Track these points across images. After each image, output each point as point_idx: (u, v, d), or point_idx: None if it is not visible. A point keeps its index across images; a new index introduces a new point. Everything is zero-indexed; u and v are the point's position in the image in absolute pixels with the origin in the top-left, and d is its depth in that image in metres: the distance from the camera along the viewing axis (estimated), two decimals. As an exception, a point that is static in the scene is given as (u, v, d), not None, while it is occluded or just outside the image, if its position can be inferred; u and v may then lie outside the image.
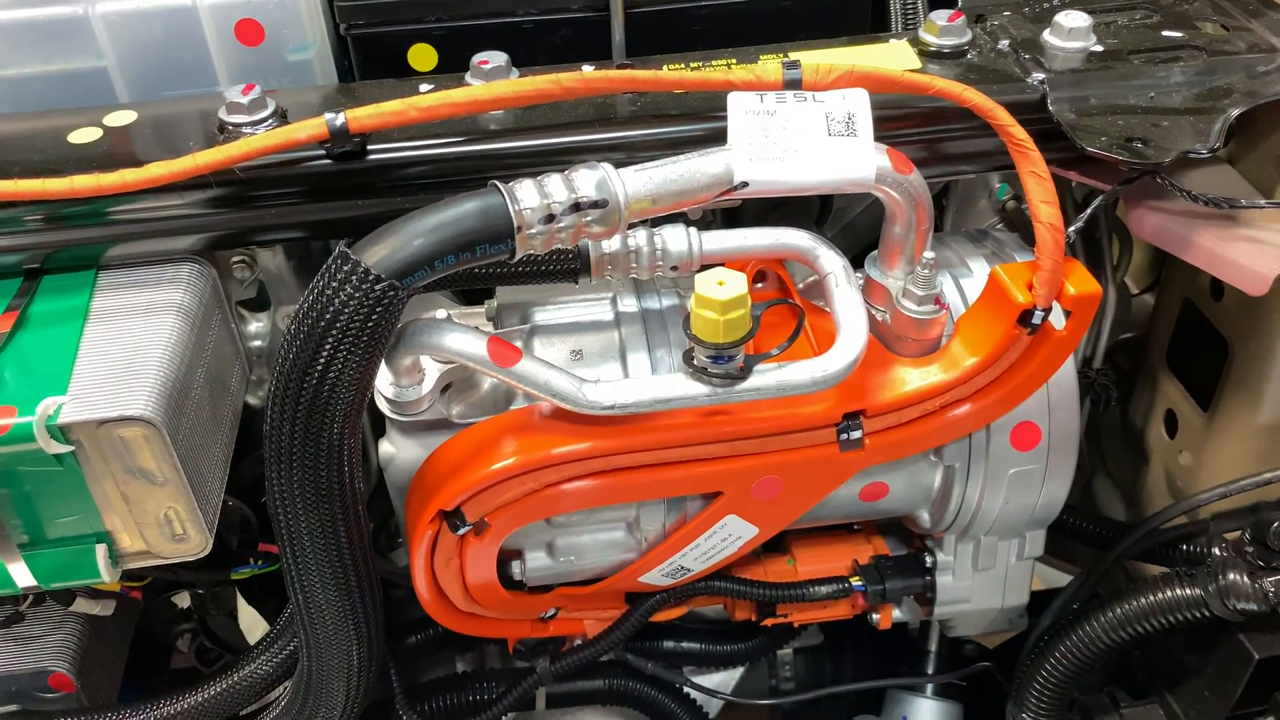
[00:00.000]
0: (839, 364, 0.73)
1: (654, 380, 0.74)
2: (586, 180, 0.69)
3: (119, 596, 0.93)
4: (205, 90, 0.93)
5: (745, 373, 0.73)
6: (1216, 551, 0.95)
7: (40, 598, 0.89)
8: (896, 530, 1.03)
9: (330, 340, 0.66)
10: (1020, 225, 1.05)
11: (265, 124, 0.81)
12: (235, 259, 0.87)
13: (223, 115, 0.81)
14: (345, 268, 0.65)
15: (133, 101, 0.90)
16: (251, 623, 0.94)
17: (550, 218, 0.69)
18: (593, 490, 0.78)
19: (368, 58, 0.94)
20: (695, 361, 0.73)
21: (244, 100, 0.80)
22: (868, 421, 0.79)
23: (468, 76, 0.85)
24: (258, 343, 0.94)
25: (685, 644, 1.12)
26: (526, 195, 0.68)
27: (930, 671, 1.23)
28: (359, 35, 0.93)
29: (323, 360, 0.66)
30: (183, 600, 0.99)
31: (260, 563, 0.93)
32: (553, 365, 0.73)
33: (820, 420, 0.78)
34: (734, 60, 0.87)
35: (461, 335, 0.72)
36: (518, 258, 0.70)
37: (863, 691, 1.26)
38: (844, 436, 0.79)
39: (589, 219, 0.70)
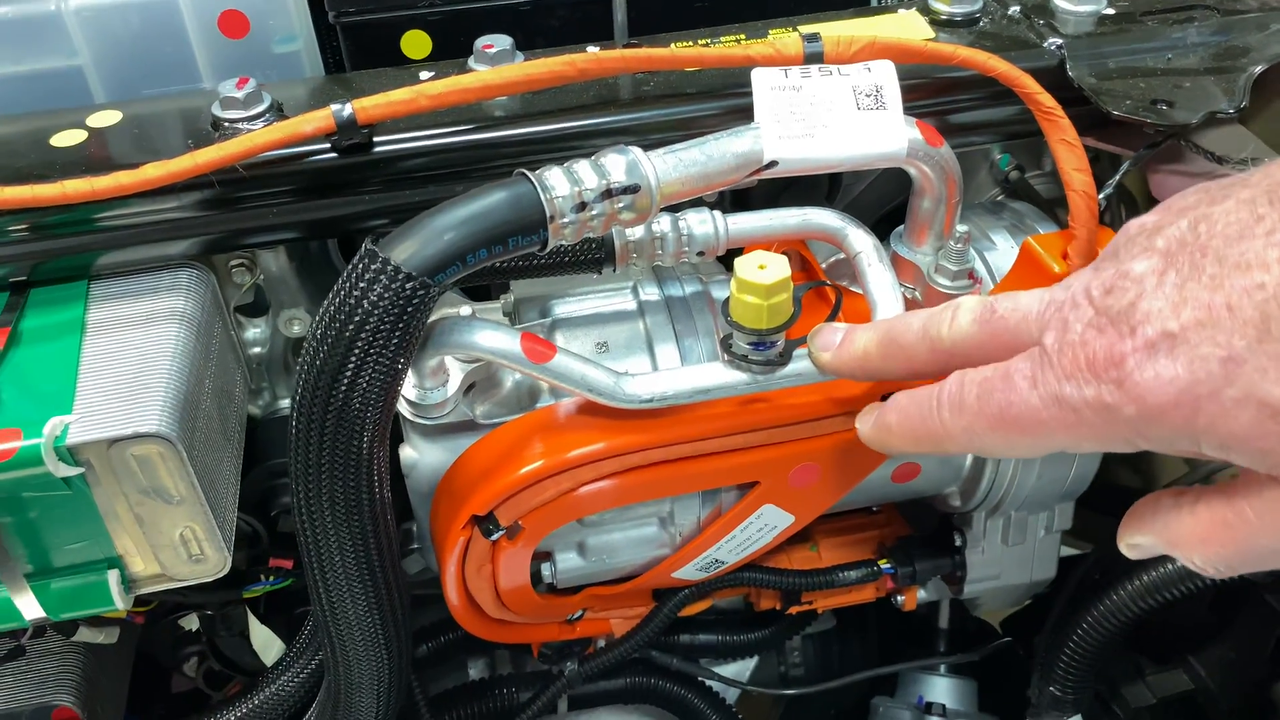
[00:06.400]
0: (879, 344, 0.71)
1: (692, 370, 0.71)
2: (616, 165, 0.67)
3: (123, 623, 0.88)
4: (187, 87, 0.89)
5: (785, 358, 0.71)
6: (1239, 514, 0.95)
7: (40, 629, 0.84)
8: (916, 511, 1.02)
9: (361, 343, 0.62)
10: (1024, 196, 1.04)
11: (262, 119, 0.77)
12: (234, 262, 0.83)
13: (217, 111, 0.77)
14: (374, 266, 0.62)
15: (113, 101, 0.85)
16: (265, 642, 0.90)
17: (582, 205, 0.66)
18: (629, 486, 0.75)
19: (359, 47, 0.90)
20: (734, 349, 0.70)
21: (239, 94, 0.76)
22: (904, 402, 0.77)
23: (471, 62, 0.81)
24: (257, 349, 0.90)
25: (701, 636, 1.10)
26: (557, 183, 0.65)
27: (942, 650, 1.22)
28: (350, 23, 0.89)
29: (352, 364, 0.63)
30: (186, 622, 0.95)
31: (272, 579, 0.89)
32: (588, 359, 0.70)
33: (858, 403, 0.76)
34: (743, 35, 0.85)
35: (494, 333, 0.69)
36: (549, 249, 0.67)
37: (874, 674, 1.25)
38: (881, 418, 0.77)
39: (621, 205, 0.67)
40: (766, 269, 0.66)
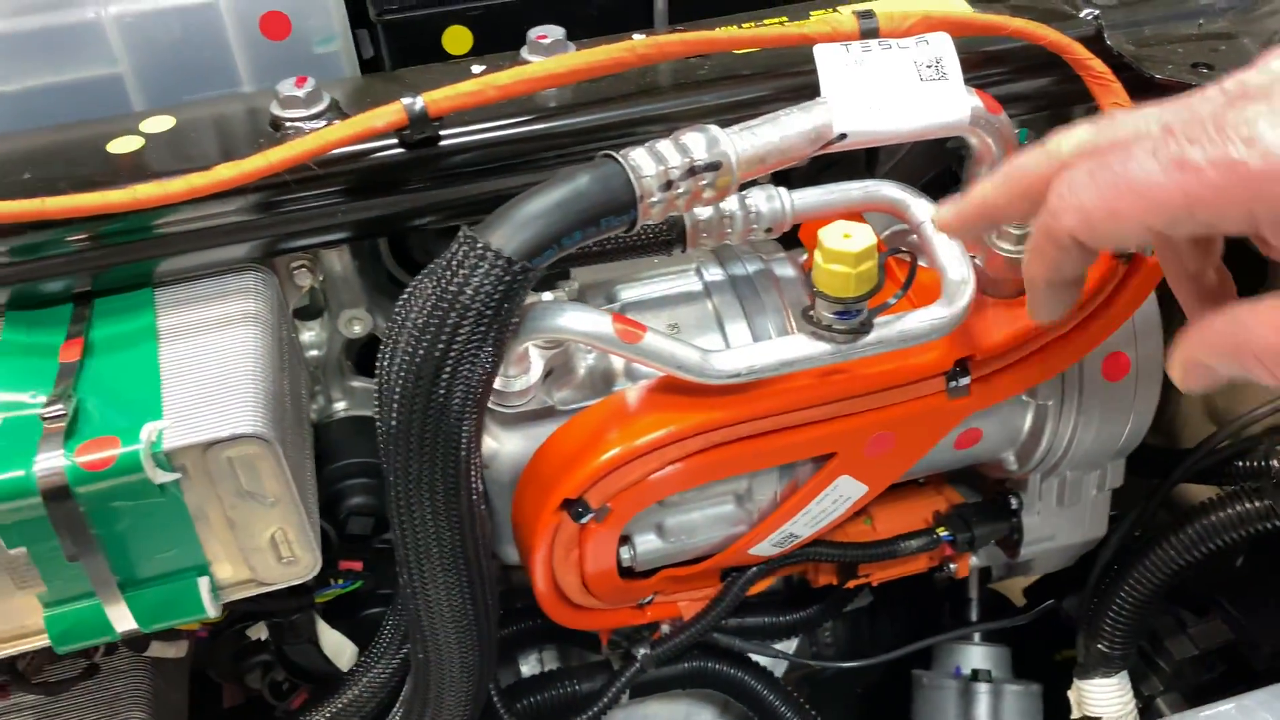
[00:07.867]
0: (955, 308, 0.73)
1: (776, 343, 0.72)
2: (697, 143, 0.67)
3: (190, 636, 0.87)
4: (226, 91, 0.88)
5: (867, 327, 0.72)
6: (1276, 463, 0.98)
7: (113, 645, 0.83)
8: (965, 479, 1.03)
9: (464, 330, 0.62)
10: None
11: (324, 117, 0.76)
12: (296, 264, 0.82)
13: (276, 111, 0.76)
14: (474, 253, 0.62)
15: (159, 106, 0.84)
16: (336, 647, 0.89)
17: (669, 184, 0.66)
18: (713, 463, 0.76)
19: (400, 44, 0.90)
20: (818, 319, 0.71)
21: (300, 93, 0.76)
22: (973, 367, 0.79)
23: (524, 53, 0.81)
24: (313, 353, 0.89)
25: (747, 619, 1.10)
26: (643, 163, 0.66)
27: (974, 618, 1.24)
28: (391, 21, 0.89)
29: (454, 353, 0.63)
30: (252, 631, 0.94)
31: (342, 581, 0.88)
32: (673, 338, 0.71)
33: (932, 369, 0.78)
34: (784, 18, 0.86)
35: (585, 315, 0.69)
36: (636, 229, 0.67)
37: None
38: (953, 384, 0.79)
39: (704, 183, 0.68)
40: (852, 237, 0.68)
